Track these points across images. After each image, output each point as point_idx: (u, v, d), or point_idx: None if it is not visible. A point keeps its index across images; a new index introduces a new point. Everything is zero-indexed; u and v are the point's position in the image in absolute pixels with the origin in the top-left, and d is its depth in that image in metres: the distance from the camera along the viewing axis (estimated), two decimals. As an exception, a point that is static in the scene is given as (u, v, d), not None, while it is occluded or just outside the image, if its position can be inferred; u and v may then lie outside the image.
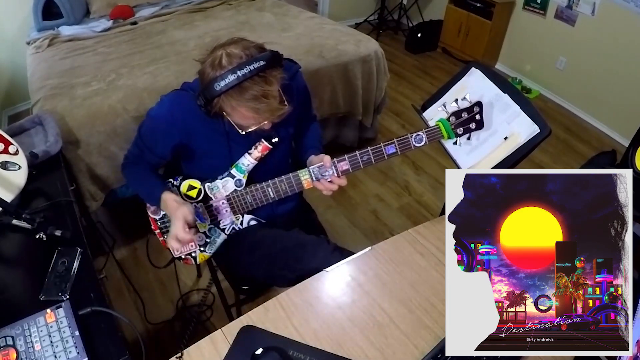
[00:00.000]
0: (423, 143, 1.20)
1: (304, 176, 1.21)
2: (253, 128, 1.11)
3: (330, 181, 1.21)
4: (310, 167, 1.20)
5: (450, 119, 1.19)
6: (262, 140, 1.21)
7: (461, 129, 1.19)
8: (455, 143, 1.23)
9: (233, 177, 1.26)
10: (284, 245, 1.30)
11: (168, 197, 1.21)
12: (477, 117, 1.18)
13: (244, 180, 1.26)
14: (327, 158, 1.19)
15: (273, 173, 1.24)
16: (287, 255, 1.28)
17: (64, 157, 1.62)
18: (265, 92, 1.01)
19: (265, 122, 1.10)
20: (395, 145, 1.18)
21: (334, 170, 1.20)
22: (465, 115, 1.18)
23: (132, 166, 1.31)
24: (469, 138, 1.23)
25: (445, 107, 1.22)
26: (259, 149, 1.22)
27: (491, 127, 1.22)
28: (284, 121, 1.14)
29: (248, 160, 1.23)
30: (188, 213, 1.17)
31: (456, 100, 1.21)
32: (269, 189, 1.24)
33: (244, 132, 1.12)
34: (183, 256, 1.38)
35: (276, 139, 1.21)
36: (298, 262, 1.25)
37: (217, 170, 1.27)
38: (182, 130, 1.19)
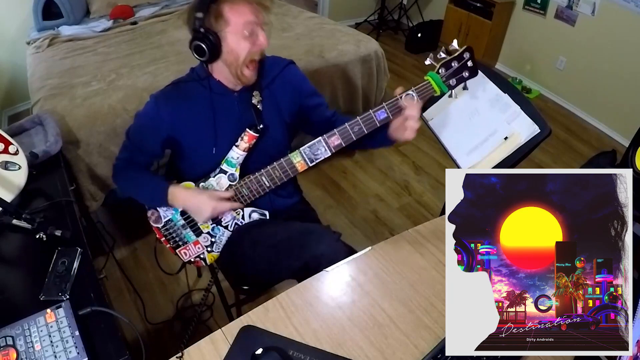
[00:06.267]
0: (414, 102, 1.13)
1: (296, 159, 1.19)
2: (247, 50, 1.12)
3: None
4: (300, 148, 1.18)
5: (440, 72, 1.13)
6: (247, 129, 1.20)
7: (454, 80, 1.13)
8: (450, 96, 1.17)
9: (225, 172, 1.24)
10: (288, 234, 1.27)
11: (176, 191, 1.23)
12: (469, 63, 1.12)
13: (237, 174, 1.24)
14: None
15: (267, 164, 1.23)
16: (291, 243, 1.25)
17: (64, 157, 1.62)
18: None
19: (261, 39, 1.15)
20: (385, 110, 1.13)
21: (326, 148, 1.17)
22: (455, 64, 1.12)
23: (124, 171, 1.30)
24: (465, 87, 1.16)
25: (433, 57, 1.15)
26: (245, 140, 1.21)
27: (491, 127, 1.21)
28: (270, 109, 1.14)
29: (237, 153, 1.22)
30: (211, 194, 1.21)
31: (445, 50, 1.14)
32: (263, 178, 1.22)
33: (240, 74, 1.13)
34: (192, 259, 1.37)
35: (261, 126, 1.21)
36: (303, 249, 1.21)
37: (206, 159, 1.25)
38: (168, 124, 1.20)
